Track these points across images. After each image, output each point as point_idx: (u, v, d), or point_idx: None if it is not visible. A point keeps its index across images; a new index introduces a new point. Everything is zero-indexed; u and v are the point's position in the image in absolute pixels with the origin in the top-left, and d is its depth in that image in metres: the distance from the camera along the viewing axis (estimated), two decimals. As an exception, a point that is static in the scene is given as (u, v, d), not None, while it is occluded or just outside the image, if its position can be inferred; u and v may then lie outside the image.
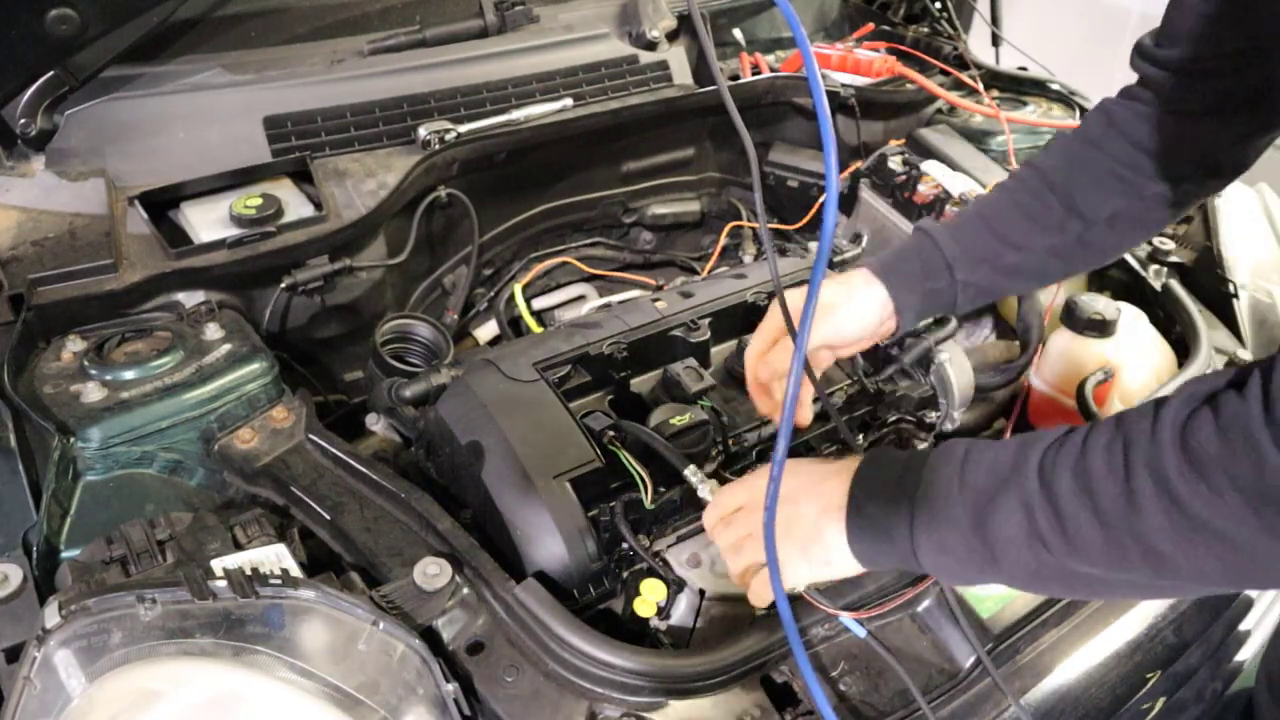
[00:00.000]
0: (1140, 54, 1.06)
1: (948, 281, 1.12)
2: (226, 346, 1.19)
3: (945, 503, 0.78)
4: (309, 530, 1.08)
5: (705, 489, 1.04)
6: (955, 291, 1.13)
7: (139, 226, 1.31)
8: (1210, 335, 1.46)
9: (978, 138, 1.80)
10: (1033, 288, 1.41)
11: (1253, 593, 1.32)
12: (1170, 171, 1.07)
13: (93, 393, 1.09)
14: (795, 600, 0.97)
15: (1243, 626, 1.35)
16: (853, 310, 1.10)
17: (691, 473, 1.06)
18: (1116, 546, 0.69)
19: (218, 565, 0.92)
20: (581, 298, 1.71)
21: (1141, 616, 1.16)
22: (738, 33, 1.96)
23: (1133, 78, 1.10)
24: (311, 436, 1.15)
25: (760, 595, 0.94)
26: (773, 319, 1.12)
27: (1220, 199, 1.59)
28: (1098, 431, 0.72)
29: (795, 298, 0.99)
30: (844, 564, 0.88)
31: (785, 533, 0.88)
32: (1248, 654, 1.40)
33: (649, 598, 1.03)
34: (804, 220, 1.78)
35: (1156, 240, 1.62)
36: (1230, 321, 1.52)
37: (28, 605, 0.90)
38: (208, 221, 1.36)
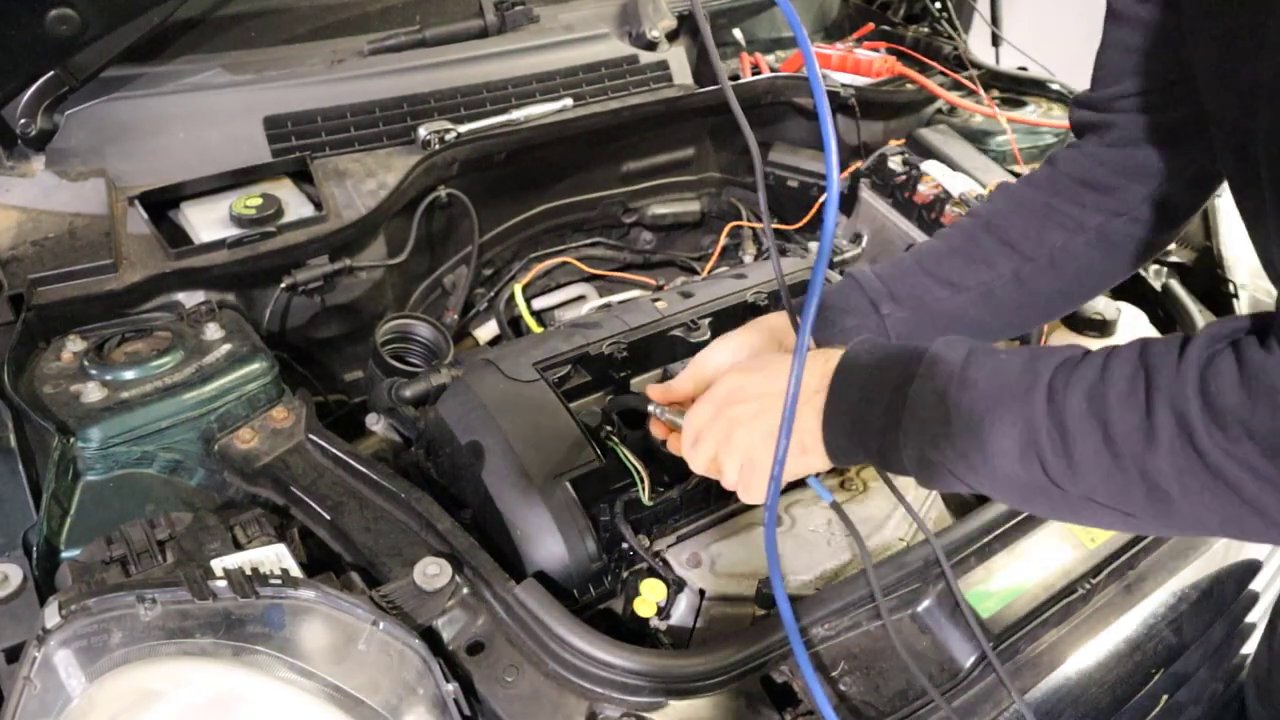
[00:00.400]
0: (1078, 105, 1.05)
1: (875, 320, 1.06)
2: (226, 346, 1.19)
3: (940, 400, 0.75)
4: (309, 530, 1.08)
5: (670, 413, 1.00)
6: (885, 328, 1.07)
7: (139, 226, 1.31)
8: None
9: (978, 138, 1.80)
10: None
11: (1258, 587, 1.32)
12: (1109, 204, 1.03)
13: (93, 393, 1.09)
14: (795, 601, 0.97)
15: (1248, 620, 1.35)
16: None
17: (655, 408, 1.02)
18: (1120, 477, 0.68)
19: (218, 565, 0.92)
20: (581, 298, 1.71)
21: (1142, 616, 1.16)
22: (738, 33, 1.96)
23: None
24: (311, 436, 1.15)
25: (752, 491, 0.89)
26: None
27: (1220, 199, 1.59)
28: (1119, 359, 0.70)
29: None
30: (818, 454, 0.85)
31: (759, 417, 0.85)
32: (1249, 651, 1.40)
33: (649, 598, 1.03)
34: (804, 220, 1.78)
35: (1156, 240, 1.62)
36: (1230, 321, 1.52)
37: (28, 605, 0.90)
38: (208, 221, 1.36)
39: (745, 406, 0.87)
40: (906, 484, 1.28)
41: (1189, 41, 0.85)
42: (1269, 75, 0.69)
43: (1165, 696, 1.23)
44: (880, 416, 0.79)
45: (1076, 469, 0.70)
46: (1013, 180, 1.13)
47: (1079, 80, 1.24)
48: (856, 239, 1.72)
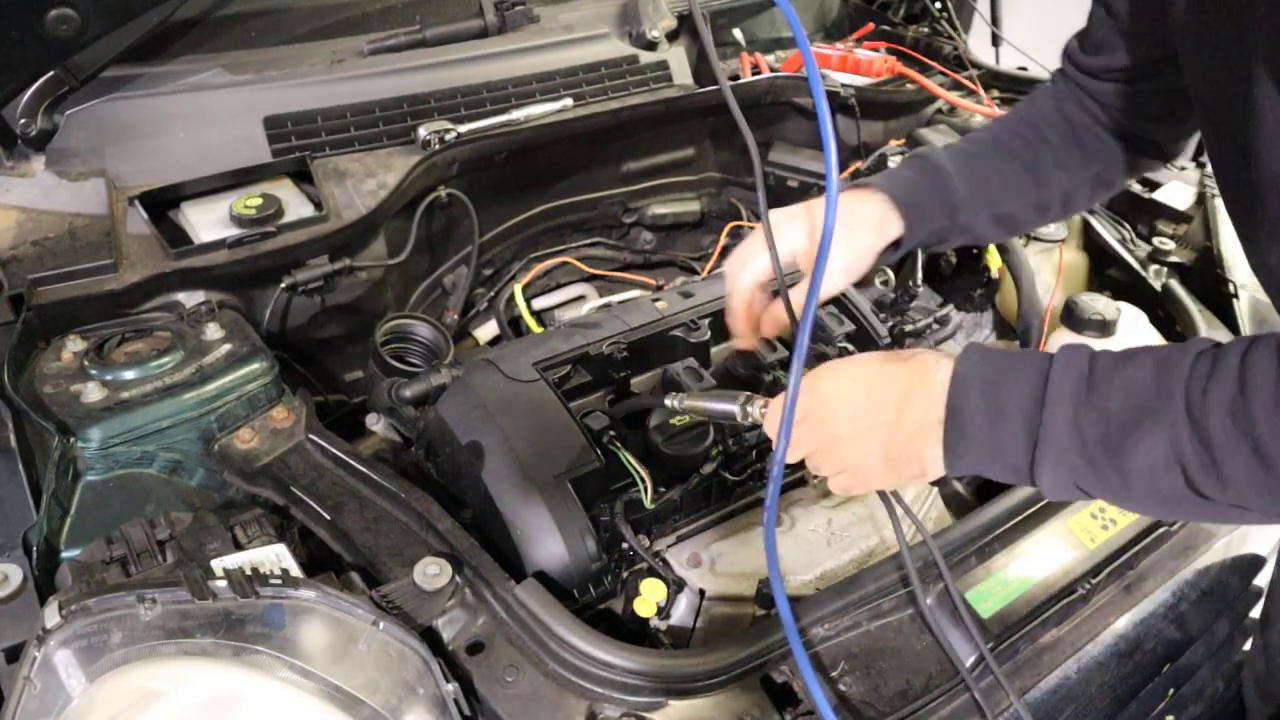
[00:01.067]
0: (1069, 58, 1.13)
1: (949, 223, 1.12)
2: (226, 346, 1.19)
3: (1072, 427, 0.74)
4: (309, 530, 1.08)
5: (756, 408, 0.97)
6: (951, 233, 1.13)
7: (139, 226, 1.31)
8: (1210, 335, 1.45)
9: (977, 138, 1.80)
10: (1002, 239, 1.43)
11: (1262, 582, 1.32)
12: (1125, 155, 1.16)
13: (93, 393, 1.09)
14: (795, 601, 0.97)
15: (1251, 617, 1.35)
16: (865, 241, 1.08)
17: (742, 403, 0.97)
18: (1274, 485, 0.68)
19: (218, 565, 0.92)
20: (581, 298, 1.71)
21: (1142, 616, 1.16)
22: (738, 33, 1.96)
23: None
24: (311, 436, 1.15)
25: (848, 491, 0.91)
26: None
27: (1219, 199, 1.59)
28: (1257, 368, 0.68)
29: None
30: (936, 474, 0.84)
31: (867, 440, 0.84)
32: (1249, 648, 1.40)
33: (649, 598, 1.03)
34: (804, 220, 1.77)
35: (1156, 240, 1.62)
36: (1230, 321, 1.52)
37: (28, 605, 0.90)
38: (208, 221, 1.36)
39: (850, 422, 0.85)
40: (904, 484, 1.28)
41: (1175, 18, 0.90)
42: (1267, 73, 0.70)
43: (1171, 691, 1.23)
44: (1011, 450, 0.78)
45: (1227, 482, 0.69)
46: (1044, 95, 1.20)
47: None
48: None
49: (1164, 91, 1.07)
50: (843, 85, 1.81)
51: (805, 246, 1.05)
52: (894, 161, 1.68)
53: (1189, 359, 0.72)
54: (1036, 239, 1.63)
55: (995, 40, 2.15)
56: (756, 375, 1.25)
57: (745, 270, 1.06)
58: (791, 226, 1.05)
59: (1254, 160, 0.78)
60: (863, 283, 1.52)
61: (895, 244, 1.10)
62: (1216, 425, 0.68)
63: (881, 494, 1.09)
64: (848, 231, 1.03)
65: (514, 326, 1.64)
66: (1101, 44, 1.08)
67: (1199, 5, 0.85)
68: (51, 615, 0.81)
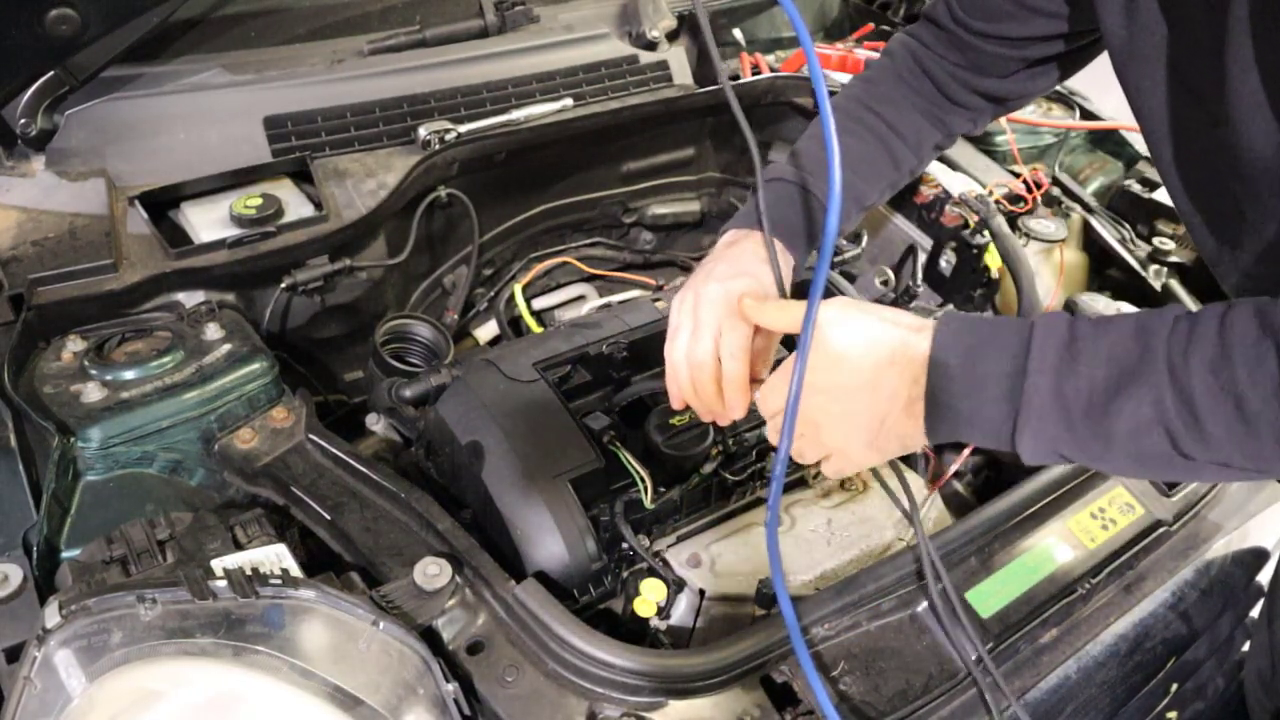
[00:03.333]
0: (952, 19, 1.13)
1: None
2: (226, 346, 1.19)
3: (1055, 394, 0.74)
4: (309, 530, 1.08)
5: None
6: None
7: (139, 226, 1.31)
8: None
9: (978, 137, 1.80)
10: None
11: (1263, 580, 1.32)
12: (967, 115, 1.20)
13: (93, 393, 1.09)
14: (795, 601, 0.97)
15: (1254, 614, 1.35)
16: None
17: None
18: (1256, 442, 0.69)
19: (218, 565, 0.92)
20: (581, 298, 1.71)
21: (1143, 615, 1.16)
22: (738, 33, 1.96)
23: None
24: (311, 436, 1.15)
25: (838, 471, 0.91)
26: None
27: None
28: (1237, 326, 0.69)
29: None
30: (918, 446, 0.85)
31: (846, 424, 0.83)
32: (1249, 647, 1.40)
33: (649, 598, 1.03)
34: (804, 220, 1.77)
35: (1156, 240, 1.62)
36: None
37: (28, 605, 0.90)
38: (208, 221, 1.36)
39: (826, 410, 0.85)
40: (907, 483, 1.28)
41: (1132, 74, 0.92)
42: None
43: (1173, 688, 1.23)
44: (990, 418, 0.78)
45: (1209, 440, 0.70)
46: (885, 70, 1.22)
47: (1078, 79, 1.25)
48: (856, 239, 1.72)
49: (1039, 59, 1.11)
50: (843, 85, 1.81)
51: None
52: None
53: (1168, 321, 0.72)
54: (1036, 239, 1.63)
55: (995, 40, 2.15)
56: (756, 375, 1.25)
57: (736, 369, 0.96)
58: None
59: (1227, 135, 0.80)
60: (863, 284, 1.52)
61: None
62: (1199, 384, 0.69)
63: (888, 489, 1.09)
64: (760, 286, 0.98)
65: (514, 326, 1.64)
66: (999, 12, 1.07)
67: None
68: (51, 615, 0.81)
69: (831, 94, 1.63)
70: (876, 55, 1.92)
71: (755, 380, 0.97)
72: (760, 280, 0.98)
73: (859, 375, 0.82)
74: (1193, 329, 0.71)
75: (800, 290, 0.91)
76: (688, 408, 1.03)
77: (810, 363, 0.84)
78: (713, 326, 0.96)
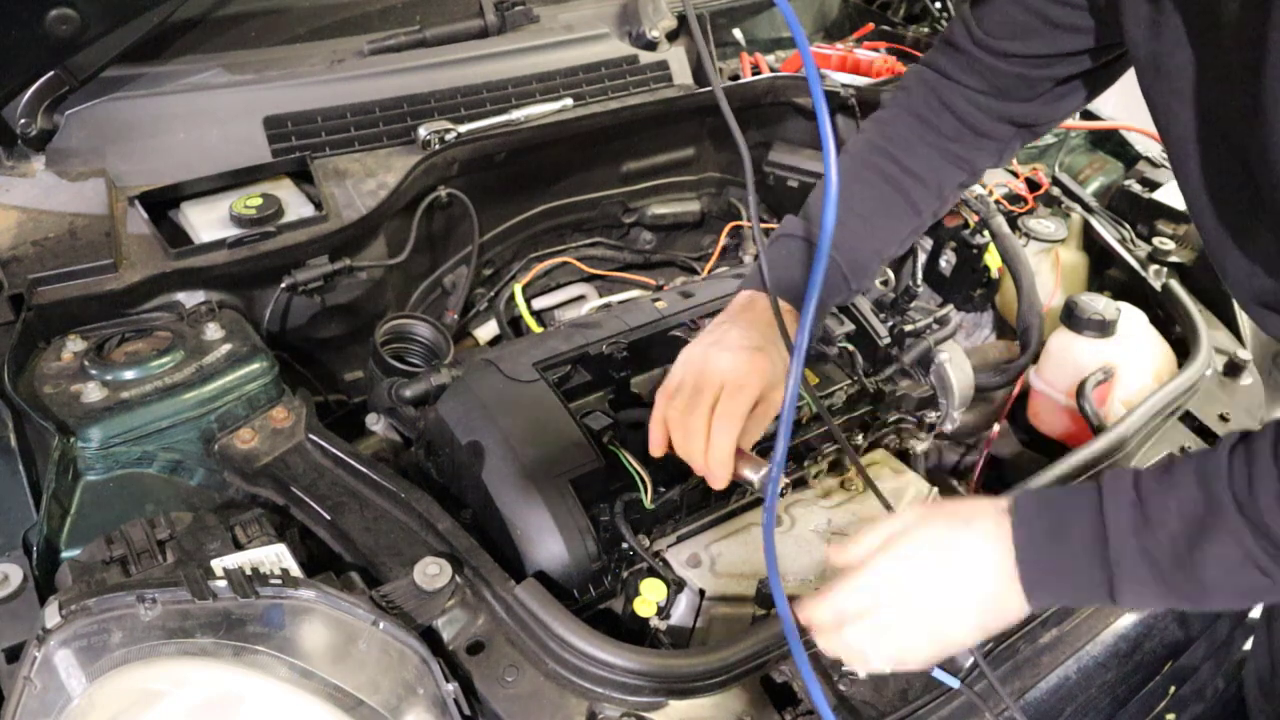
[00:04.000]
0: (969, 39, 1.08)
1: (844, 295, 1.13)
2: (226, 346, 1.19)
3: (1140, 557, 0.78)
4: (309, 530, 1.08)
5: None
6: (846, 299, 1.16)
7: (139, 226, 1.31)
8: (1210, 335, 1.46)
9: (978, 138, 1.80)
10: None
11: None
12: (993, 147, 1.15)
13: (93, 393, 1.09)
14: (795, 601, 0.97)
15: (1252, 615, 1.35)
16: (779, 351, 1.02)
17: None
18: None
19: (218, 565, 0.92)
20: (581, 298, 1.71)
21: (1143, 615, 1.16)
22: (738, 33, 1.96)
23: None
24: (311, 436, 1.15)
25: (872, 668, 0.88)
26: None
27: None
28: None
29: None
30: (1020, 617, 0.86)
31: (915, 624, 0.84)
32: (1249, 648, 1.40)
33: (649, 598, 1.03)
34: (804, 220, 1.77)
35: (1156, 240, 1.62)
36: (1230, 321, 1.52)
37: (28, 605, 0.90)
38: (208, 221, 1.36)
39: (895, 611, 0.85)
40: (904, 484, 1.28)
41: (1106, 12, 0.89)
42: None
43: (1171, 690, 1.23)
44: (1089, 585, 0.80)
45: None
46: (900, 107, 1.17)
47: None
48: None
49: (1065, 78, 1.07)
50: (843, 85, 1.81)
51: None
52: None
53: (1223, 463, 0.75)
54: (1036, 239, 1.63)
55: (995, 40, 2.14)
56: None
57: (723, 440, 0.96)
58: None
59: (1263, 172, 0.77)
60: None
61: None
62: (1272, 519, 0.72)
63: (880, 495, 1.09)
64: (772, 364, 0.99)
65: (514, 326, 1.64)
66: (1012, 29, 1.03)
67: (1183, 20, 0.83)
68: (51, 615, 0.81)
69: (831, 94, 1.62)
70: (876, 55, 1.94)
71: (748, 455, 0.99)
72: (771, 356, 0.99)
73: (937, 581, 0.84)
74: (1251, 469, 0.74)
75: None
76: None
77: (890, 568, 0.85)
78: (712, 394, 0.96)
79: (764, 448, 1.22)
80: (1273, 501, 0.72)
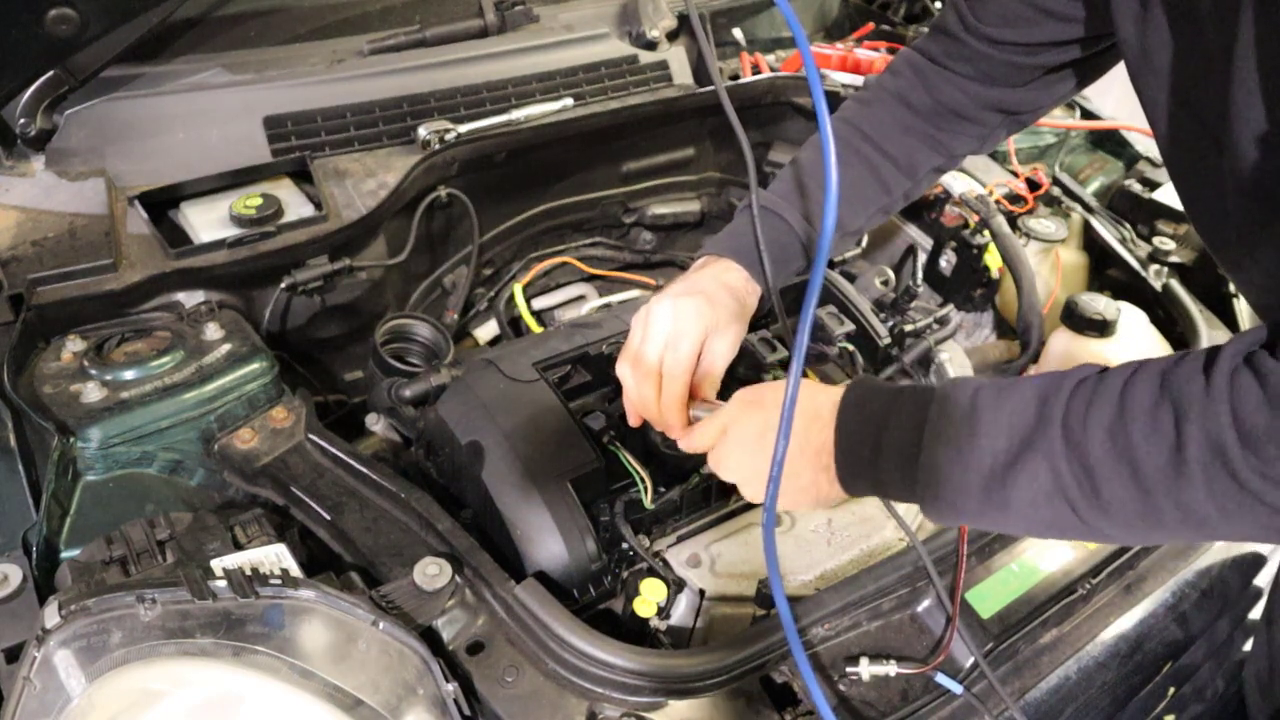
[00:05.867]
0: (962, 26, 1.08)
1: (802, 261, 1.13)
2: (226, 346, 1.19)
3: (955, 467, 0.76)
4: (309, 530, 1.08)
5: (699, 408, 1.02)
6: (803, 265, 1.14)
7: (139, 226, 1.31)
8: (1210, 335, 1.46)
9: (978, 138, 1.79)
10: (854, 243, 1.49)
11: (1260, 582, 1.32)
12: (976, 131, 1.15)
13: (93, 393, 1.09)
14: (795, 601, 0.97)
15: (1251, 616, 1.35)
16: (730, 310, 1.06)
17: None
18: (1153, 509, 0.68)
19: (218, 565, 0.92)
20: (581, 298, 1.71)
21: (1143, 615, 1.16)
22: (738, 33, 1.96)
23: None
24: (311, 436, 1.15)
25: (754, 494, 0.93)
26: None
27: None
28: (1137, 389, 0.69)
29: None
30: (837, 499, 0.89)
31: (760, 463, 0.87)
32: (1249, 648, 1.40)
33: (649, 598, 1.03)
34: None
35: (1156, 240, 1.62)
36: (1230, 321, 1.52)
37: (28, 605, 0.90)
38: (208, 221, 1.36)
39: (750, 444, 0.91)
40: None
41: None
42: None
43: (1171, 691, 1.23)
44: (895, 485, 0.81)
45: (1107, 508, 0.70)
46: (884, 89, 1.18)
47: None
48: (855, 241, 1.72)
49: (1053, 66, 1.07)
50: (843, 85, 1.81)
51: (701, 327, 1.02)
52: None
53: (1069, 385, 0.73)
54: (1036, 239, 1.63)
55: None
56: (757, 375, 1.25)
57: (675, 384, 1.00)
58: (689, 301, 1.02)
59: (1228, 162, 0.77)
60: (862, 284, 1.52)
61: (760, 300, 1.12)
62: (1096, 450, 0.69)
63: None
64: (711, 307, 1.02)
65: (514, 326, 1.64)
66: (1006, 17, 1.04)
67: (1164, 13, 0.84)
68: (51, 615, 0.81)
69: (831, 94, 1.63)
70: (876, 55, 1.94)
71: (703, 400, 1.02)
72: (712, 300, 1.02)
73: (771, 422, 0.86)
74: (1095, 392, 0.71)
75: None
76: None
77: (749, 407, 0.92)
78: (659, 341, 1.00)
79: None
80: (1101, 430, 0.69)
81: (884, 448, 0.81)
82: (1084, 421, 0.70)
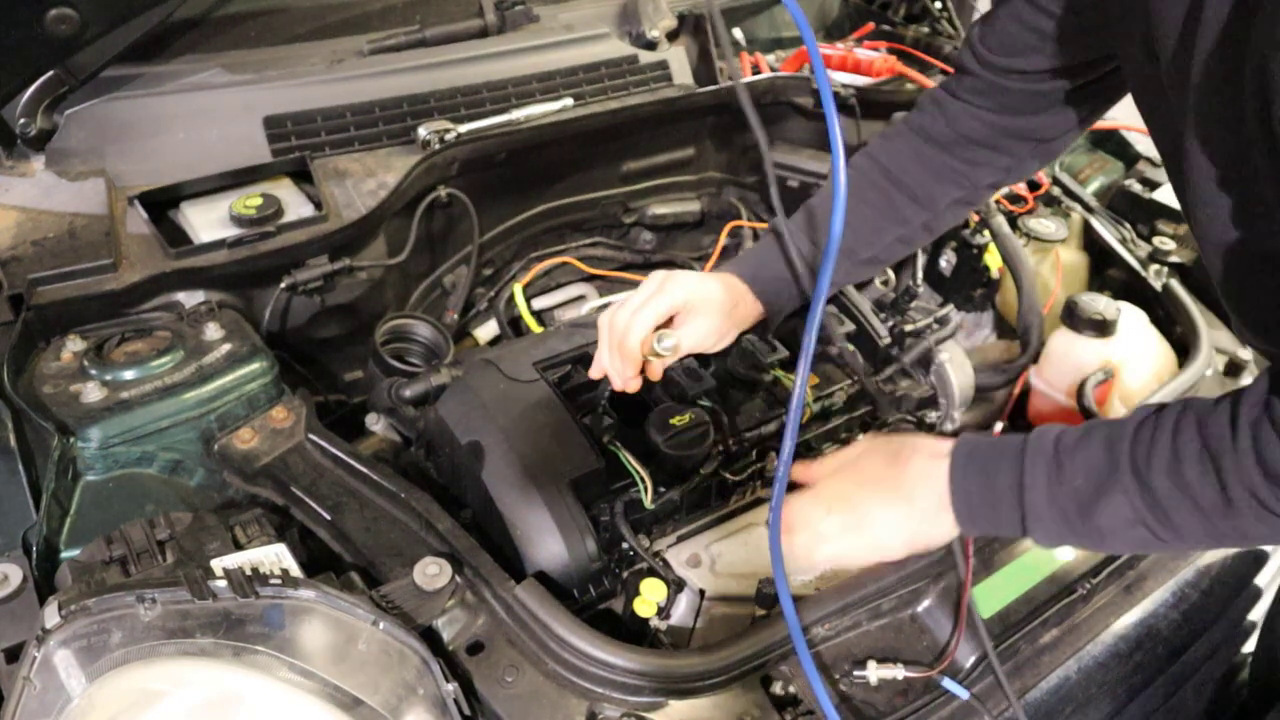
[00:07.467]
0: (976, 60, 1.13)
1: (799, 300, 1.23)
2: (226, 346, 1.18)
3: (1049, 504, 0.90)
4: (309, 530, 1.08)
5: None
6: (803, 299, 1.23)
7: (139, 226, 1.31)
8: (1210, 335, 1.46)
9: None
10: (872, 275, 1.54)
11: (1261, 582, 1.32)
12: (1001, 162, 1.19)
13: (93, 393, 1.09)
14: (796, 600, 0.97)
15: (1251, 616, 1.35)
16: (711, 324, 1.16)
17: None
18: (1214, 532, 0.84)
19: (218, 565, 0.92)
20: (581, 298, 1.71)
21: (1143, 615, 1.16)
22: (738, 32, 1.96)
23: None
24: (311, 436, 1.15)
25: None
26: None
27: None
28: (1184, 435, 0.82)
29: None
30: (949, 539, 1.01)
31: (854, 534, 0.99)
32: (1250, 649, 1.40)
33: (649, 598, 1.03)
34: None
35: (1156, 240, 1.62)
36: (1230, 322, 1.52)
37: (28, 605, 0.90)
38: (208, 221, 1.36)
39: (840, 521, 1.00)
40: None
41: (1114, 25, 0.92)
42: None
43: (1166, 697, 1.23)
44: (1009, 523, 0.94)
45: (1179, 531, 0.85)
46: (906, 123, 1.23)
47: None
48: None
49: (1069, 91, 1.10)
50: (843, 85, 1.81)
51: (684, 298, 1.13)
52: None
53: (1130, 431, 0.87)
54: (1036, 239, 1.63)
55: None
56: (756, 375, 1.25)
57: (638, 318, 1.10)
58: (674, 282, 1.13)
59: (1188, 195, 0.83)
60: (863, 283, 1.52)
61: (765, 320, 1.23)
62: (1161, 488, 0.83)
63: None
64: (691, 315, 1.14)
65: (514, 326, 1.64)
66: (1015, 45, 1.07)
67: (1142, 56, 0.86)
68: (51, 615, 0.81)
69: (832, 95, 1.62)
70: (876, 55, 1.94)
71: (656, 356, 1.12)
72: (706, 283, 1.15)
73: (887, 484, 0.99)
74: (1154, 436, 0.85)
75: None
76: (687, 411, 1.13)
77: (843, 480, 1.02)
78: (637, 300, 1.11)
79: (765, 447, 1.22)
80: (1162, 471, 0.83)
81: (997, 491, 0.93)
82: (1148, 463, 0.84)
